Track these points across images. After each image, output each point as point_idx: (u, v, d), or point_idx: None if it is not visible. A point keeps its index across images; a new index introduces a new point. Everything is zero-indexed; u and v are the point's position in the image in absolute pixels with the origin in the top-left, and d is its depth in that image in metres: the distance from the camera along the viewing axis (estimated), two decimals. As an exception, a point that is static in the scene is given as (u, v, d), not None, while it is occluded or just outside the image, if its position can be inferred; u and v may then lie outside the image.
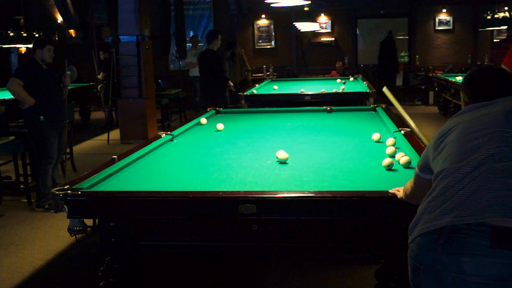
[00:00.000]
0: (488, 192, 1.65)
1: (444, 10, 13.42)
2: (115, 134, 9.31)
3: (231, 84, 7.96)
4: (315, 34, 13.60)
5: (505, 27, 10.32)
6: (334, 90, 6.94)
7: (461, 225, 1.65)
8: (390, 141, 3.35)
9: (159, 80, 10.45)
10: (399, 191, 2.26)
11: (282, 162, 3.04)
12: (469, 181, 1.70)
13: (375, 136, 3.59)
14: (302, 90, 7.03)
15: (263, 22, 13.91)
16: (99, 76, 10.31)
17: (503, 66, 7.91)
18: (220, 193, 2.42)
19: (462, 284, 1.65)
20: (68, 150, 6.62)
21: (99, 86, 10.37)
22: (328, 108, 3.80)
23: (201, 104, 9.69)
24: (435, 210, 1.74)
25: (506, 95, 1.93)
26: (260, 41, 14.01)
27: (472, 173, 1.71)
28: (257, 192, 2.40)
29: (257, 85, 8.22)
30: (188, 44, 11.06)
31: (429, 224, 1.73)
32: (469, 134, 1.82)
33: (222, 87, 7.62)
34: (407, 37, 13.67)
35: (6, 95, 7.71)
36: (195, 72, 10.53)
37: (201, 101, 9.30)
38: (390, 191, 2.28)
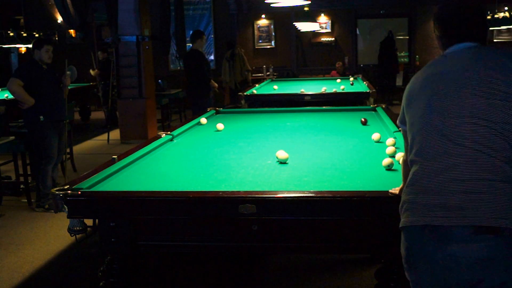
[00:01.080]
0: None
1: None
2: (115, 134, 9.31)
3: (215, 85, 7.85)
4: (315, 34, 13.61)
5: (506, 27, 10.34)
6: (334, 90, 6.93)
7: None
8: (390, 141, 3.35)
9: (159, 80, 10.45)
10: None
11: (282, 162, 3.04)
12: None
13: (375, 136, 3.59)
14: (302, 90, 7.03)
15: (263, 22, 13.91)
16: (92, 73, 10.31)
17: None
18: (220, 193, 2.42)
19: (454, 265, 1.71)
20: (68, 150, 6.62)
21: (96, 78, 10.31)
22: (363, 120, 3.78)
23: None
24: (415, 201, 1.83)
25: (476, 34, 1.92)
26: (260, 41, 14.02)
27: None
28: (257, 192, 2.39)
29: (257, 85, 8.21)
30: (188, 44, 11.05)
31: (412, 219, 1.82)
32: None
33: (205, 88, 7.58)
34: (407, 37, 13.67)
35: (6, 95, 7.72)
36: None
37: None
38: (390, 191, 2.28)
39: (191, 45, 7.93)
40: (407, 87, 2.04)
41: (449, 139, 1.78)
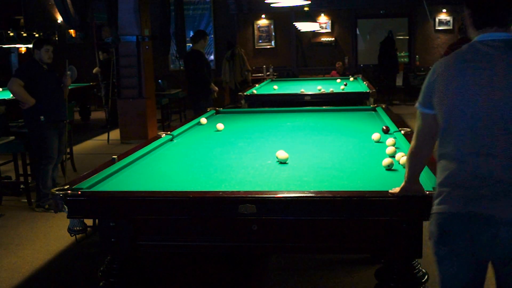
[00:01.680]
0: None
1: (444, 10, 13.42)
2: (115, 134, 9.31)
3: (215, 89, 7.74)
4: (315, 34, 13.60)
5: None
6: (331, 90, 6.93)
7: None
8: (390, 141, 3.35)
9: (159, 80, 10.45)
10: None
11: (282, 162, 3.04)
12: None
13: (375, 136, 3.59)
14: (302, 90, 7.04)
15: (263, 22, 13.91)
16: (94, 71, 10.33)
17: None
18: (220, 193, 2.42)
19: (496, 244, 1.83)
20: (68, 150, 6.62)
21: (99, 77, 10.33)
22: (385, 127, 3.68)
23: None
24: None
25: (504, 18, 1.92)
26: (260, 41, 14.01)
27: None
28: (257, 192, 2.40)
29: (257, 85, 8.22)
30: (188, 44, 11.04)
31: (454, 206, 1.89)
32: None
33: (205, 90, 7.54)
34: (407, 37, 13.67)
35: (6, 95, 7.72)
36: None
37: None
38: (390, 191, 2.28)
39: (191, 45, 7.90)
40: (439, 71, 1.98)
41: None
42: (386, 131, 3.70)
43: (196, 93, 7.55)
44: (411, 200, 2.24)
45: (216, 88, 7.82)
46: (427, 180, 2.51)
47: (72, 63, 5.94)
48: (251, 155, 3.33)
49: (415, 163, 2.15)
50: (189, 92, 7.85)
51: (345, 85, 7.79)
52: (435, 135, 2.03)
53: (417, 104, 2.08)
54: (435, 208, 1.99)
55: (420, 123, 2.07)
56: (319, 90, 6.98)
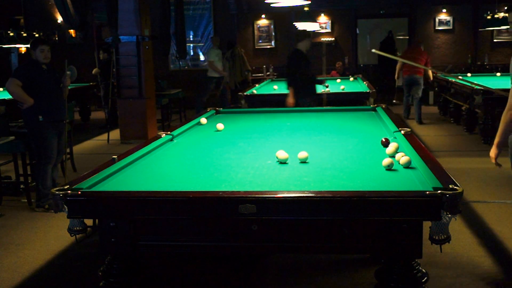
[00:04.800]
0: None
1: (444, 10, 13.42)
2: (115, 134, 9.31)
3: (327, 88, 7.36)
4: (315, 34, 13.60)
5: (506, 27, 10.34)
6: (322, 91, 6.93)
7: None
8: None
9: (159, 80, 10.45)
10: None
11: (282, 162, 3.04)
12: None
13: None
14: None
15: (263, 22, 13.92)
16: (93, 71, 10.35)
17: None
18: (220, 193, 2.42)
19: None
20: (68, 150, 6.62)
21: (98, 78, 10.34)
22: (384, 139, 3.51)
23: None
24: None
25: None
26: (260, 41, 14.02)
27: None
28: (257, 192, 2.40)
29: (257, 85, 8.23)
30: (188, 44, 11.06)
31: None
32: None
33: (309, 87, 7.39)
34: (407, 37, 13.67)
35: (6, 95, 7.71)
36: (213, 73, 10.66)
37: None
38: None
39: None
40: None
41: None
42: (386, 144, 3.37)
43: (297, 92, 7.45)
44: (411, 200, 2.25)
45: (327, 84, 7.56)
46: (427, 180, 2.51)
47: (72, 63, 5.93)
48: (251, 155, 3.33)
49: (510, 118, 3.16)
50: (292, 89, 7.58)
51: (326, 86, 7.61)
52: None
53: None
54: None
55: None
56: (326, 87, 7.00)
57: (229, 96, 11.40)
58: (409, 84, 9.94)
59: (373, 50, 7.11)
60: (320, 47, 10.47)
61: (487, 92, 7.24)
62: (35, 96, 5.18)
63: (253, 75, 12.60)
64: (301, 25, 11.14)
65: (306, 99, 6.75)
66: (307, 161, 3.06)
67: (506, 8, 11.35)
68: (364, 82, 8.00)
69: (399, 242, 2.33)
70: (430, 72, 9.97)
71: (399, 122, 4.14)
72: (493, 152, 3.38)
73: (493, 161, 3.43)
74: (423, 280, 2.44)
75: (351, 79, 8.97)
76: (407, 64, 9.85)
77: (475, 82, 7.27)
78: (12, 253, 4.31)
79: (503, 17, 10.27)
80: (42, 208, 5.32)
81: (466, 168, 6.32)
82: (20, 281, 3.78)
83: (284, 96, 7.04)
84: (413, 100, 10.06)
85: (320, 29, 13.31)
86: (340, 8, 13.49)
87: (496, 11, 10.59)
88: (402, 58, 10.19)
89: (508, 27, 10.02)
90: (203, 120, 4.71)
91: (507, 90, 3.33)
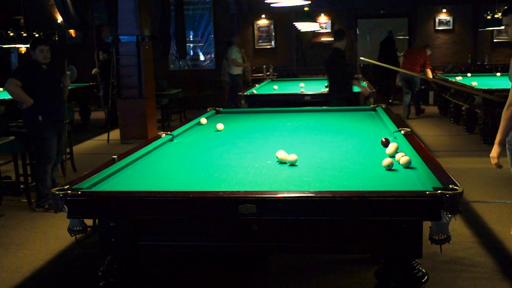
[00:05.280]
0: None
1: (444, 10, 13.42)
2: (115, 134, 9.31)
3: (327, 88, 7.29)
4: (315, 34, 13.61)
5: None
6: (322, 91, 6.95)
7: None
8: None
9: (159, 80, 10.45)
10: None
11: (282, 162, 3.04)
12: None
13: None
14: (302, 90, 7.05)
15: (263, 22, 13.92)
16: (93, 71, 10.36)
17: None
18: (220, 193, 2.42)
19: None
20: (68, 150, 6.62)
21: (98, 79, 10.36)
22: (384, 139, 3.48)
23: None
24: None
25: None
26: (260, 41, 14.02)
27: None
28: (257, 192, 2.39)
29: (257, 85, 8.23)
30: (188, 44, 11.06)
31: None
32: None
33: (346, 82, 7.38)
34: (407, 37, 13.67)
35: (6, 95, 7.71)
36: (237, 70, 10.84)
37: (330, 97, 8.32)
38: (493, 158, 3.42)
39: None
40: None
41: None
42: (386, 144, 3.37)
43: (338, 91, 7.43)
44: (411, 200, 2.24)
45: (326, 84, 7.49)
46: (427, 180, 2.51)
47: (71, 63, 5.93)
48: (251, 155, 3.33)
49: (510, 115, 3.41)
50: (330, 89, 7.56)
51: (326, 86, 7.53)
52: None
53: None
54: None
55: None
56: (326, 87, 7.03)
57: (226, 96, 11.46)
58: (406, 80, 10.19)
59: (361, 58, 7.22)
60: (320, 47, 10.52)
61: (487, 92, 7.28)
62: (35, 96, 5.18)
63: (253, 75, 12.61)
64: (301, 25, 11.15)
65: (343, 96, 6.83)
66: (287, 162, 3.02)
67: (505, 7, 11.33)
68: (364, 82, 7.99)
69: (399, 242, 2.33)
70: (429, 72, 10.03)
71: (399, 122, 4.14)
72: (495, 151, 3.46)
73: (495, 161, 3.47)
74: (423, 280, 2.44)
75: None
76: (405, 62, 10.03)
77: (470, 86, 7.49)
78: (12, 253, 4.31)
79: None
80: (42, 208, 5.32)
81: (466, 168, 6.33)
82: (20, 281, 3.78)
83: (284, 96, 7.05)
84: (412, 97, 10.28)
85: (320, 29, 13.32)
86: (340, 8, 13.49)
87: (496, 11, 10.59)
88: (404, 57, 10.33)
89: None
90: (203, 120, 4.71)
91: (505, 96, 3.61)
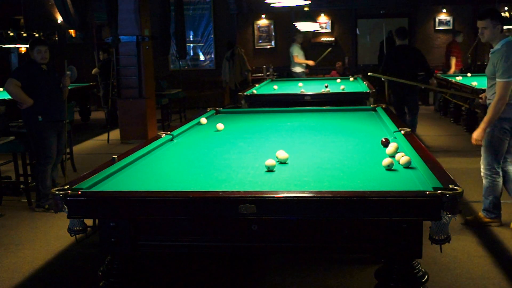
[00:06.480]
0: None
1: (444, 10, 13.42)
2: (115, 134, 9.31)
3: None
4: (315, 34, 13.60)
5: (506, 27, 10.35)
6: (322, 90, 6.96)
7: None
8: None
9: (159, 80, 10.45)
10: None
11: (282, 162, 3.04)
12: None
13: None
14: (302, 90, 7.05)
15: (263, 22, 13.92)
16: (93, 71, 10.37)
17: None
18: (220, 193, 2.42)
19: None
20: (68, 150, 6.62)
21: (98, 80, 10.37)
22: (384, 139, 3.46)
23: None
24: None
25: None
26: (260, 41, 14.02)
27: None
28: (257, 192, 2.40)
29: (257, 85, 8.22)
30: (188, 44, 11.05)
31: None
32: None
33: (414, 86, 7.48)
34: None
35: (6, 95, 7.71)
36: (299, 68, 10.88)
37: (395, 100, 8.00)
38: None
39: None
40: None
41: None
42: (386, 144, 3.35)
43: (411, 88, 7.47)
44: (411, 200, 2.25)
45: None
46: (427, 180, 2.51)
47: (71, 63, 5.93)
48: (251, 155, 3.33)
49: (500, 107, 4.05)
50: (400, 87, 7.55)
51: (326, 86, 7.38)
52: None
53: (507, 77, 3.98)
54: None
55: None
56: (326, 87, 7.05)
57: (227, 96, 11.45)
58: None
59: (370, 74, 7.47)
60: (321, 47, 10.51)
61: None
62: (35, 97, 5.18)
63: (253, 75, 12.60)
64: (301, 25, 11.15)
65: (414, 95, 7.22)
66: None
67: (506, 8, 11.35)
68: (364, 82, 7.99)
69: (399, 242, 2.33)
70: (453, 61, 10.46)
71: (399, 122, 4.14)
72: (480, 135, 4.23)
73: (478, 143, 4.26)
74: (423, 280, 2.44)
75: (351, 79, 8.96)
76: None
77: (470, 86, 7.57)
78: (12, 253, 4.31)
79: (503, 17, 10.28)
80: (42, 208, 5.32)
81: (466, 168, 6.32)
82: (20, 281, 3.78)
83: (284, 96, 7.04)
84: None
85: (320, 29, 13.31)
86: (340, 8, 13.49)
87: (496, 11, 10.58)
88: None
89: (510, 26, 10.04)
90: (203, 120, 4.71)
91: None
